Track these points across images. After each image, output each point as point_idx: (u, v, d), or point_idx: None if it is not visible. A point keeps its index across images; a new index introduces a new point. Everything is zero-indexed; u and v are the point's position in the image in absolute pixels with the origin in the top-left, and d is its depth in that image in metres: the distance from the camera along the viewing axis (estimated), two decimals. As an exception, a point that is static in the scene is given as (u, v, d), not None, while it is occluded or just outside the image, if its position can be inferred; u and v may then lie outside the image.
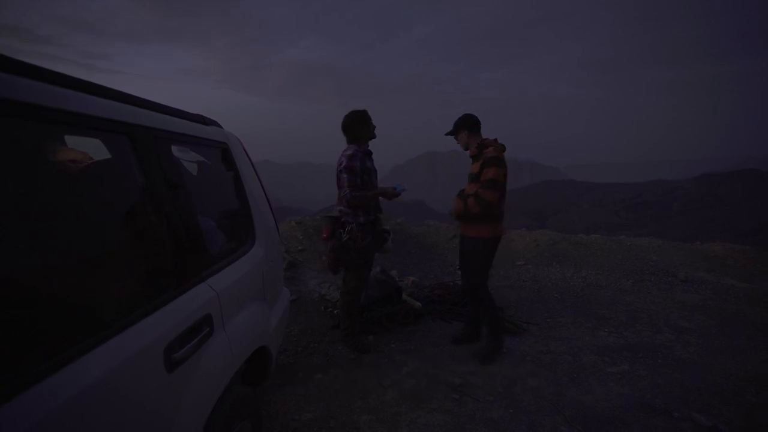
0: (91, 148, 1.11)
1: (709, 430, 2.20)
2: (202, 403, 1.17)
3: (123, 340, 0.91)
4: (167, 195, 1.17)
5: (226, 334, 1.35)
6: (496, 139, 2.87)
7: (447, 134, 3.03)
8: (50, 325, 0.77)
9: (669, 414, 2.35)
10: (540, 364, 2.94)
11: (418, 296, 3.99)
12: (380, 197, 2.91)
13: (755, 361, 3.03)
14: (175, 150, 1.38)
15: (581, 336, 3.47)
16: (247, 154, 1.94)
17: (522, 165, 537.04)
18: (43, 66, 0.82)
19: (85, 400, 0.77)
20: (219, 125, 1.80)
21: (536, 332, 3.51)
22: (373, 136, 2.91)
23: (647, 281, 4.98)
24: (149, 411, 0.97)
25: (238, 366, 1.41)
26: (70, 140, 1.10)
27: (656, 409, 2.40)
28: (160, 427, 1.01)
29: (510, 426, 2.24)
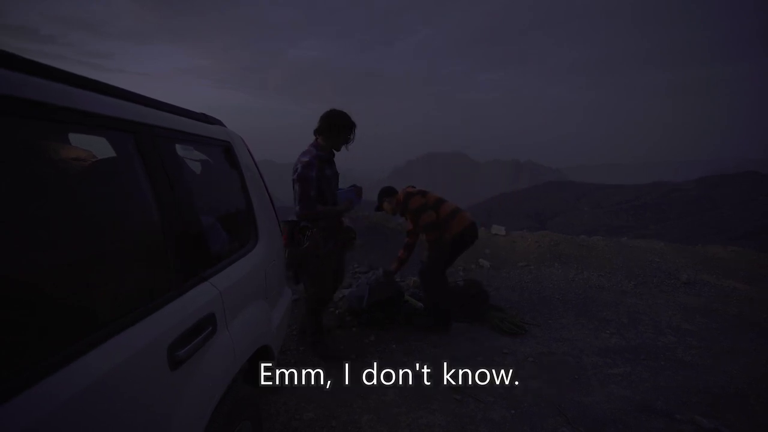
0: (96, 147, 1.11)
1: (712, 433, 2.20)
2: (205, 401, 1.17)
3: (126, 338, 0.90)
4: (171, 194, 1.17)
5: (229, 333, 1.34)
6: (403, 190, 3.51)
7: (376, 210, 3.61)
8: (53, 324, 0.77)
9: (671, 416, 2.34)
10: (541, 365, 2.93)
11: (419, 297, 3.98)
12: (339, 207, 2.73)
13: (757, 363, 3.02)
14: (179, 149, 1.38)
15: (583, 337, 3.46)
16: (251, 153, 1.94)
17: (522, 166, 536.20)
18: (48, 64, 0.82)
19: (88, 398, 0.77)
20: (222, 124, 1.80)
21: (538, 333, 3.51)
22: (338, 149, 2.70)
23: (649, 283, 4.98)
24: (152, 409, 0.97)
25: (240, 365, 1.41)
26: (75, 138, 1.10)
27: (658, 411, 2.40)
28: (162, 425, 1.00)
29: (511, 427, 2.24)
